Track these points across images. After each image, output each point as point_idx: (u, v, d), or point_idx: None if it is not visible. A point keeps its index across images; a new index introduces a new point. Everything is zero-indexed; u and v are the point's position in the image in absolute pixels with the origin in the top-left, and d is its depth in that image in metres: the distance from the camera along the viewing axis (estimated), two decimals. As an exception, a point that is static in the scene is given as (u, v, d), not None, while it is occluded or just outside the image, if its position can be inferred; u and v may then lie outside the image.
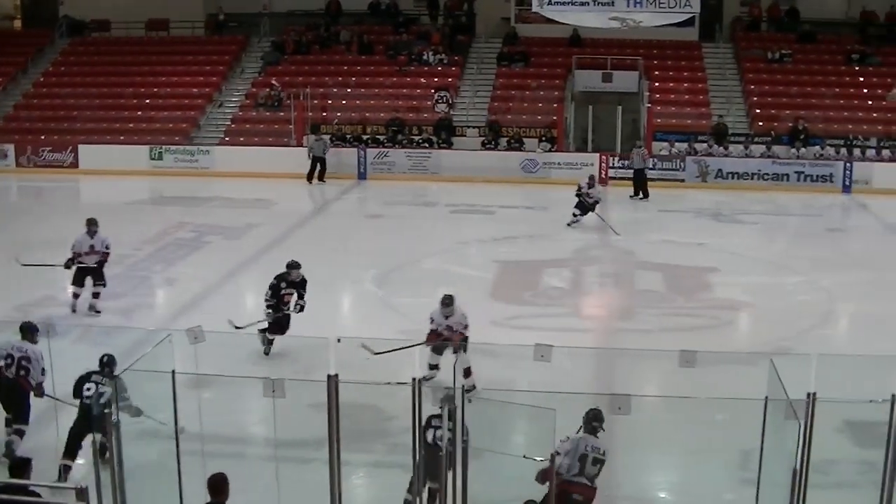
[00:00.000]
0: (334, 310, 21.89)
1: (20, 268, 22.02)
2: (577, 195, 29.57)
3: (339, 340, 9.53)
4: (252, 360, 16.65)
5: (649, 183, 35.30)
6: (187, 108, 42.91)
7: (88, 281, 21.03)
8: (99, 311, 20.81)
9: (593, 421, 10.90)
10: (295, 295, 18.05)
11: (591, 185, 29.69)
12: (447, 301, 16.68)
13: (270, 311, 17.89)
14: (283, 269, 18.48)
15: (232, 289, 23.43)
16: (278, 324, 17.95)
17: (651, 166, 36.33)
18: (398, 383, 9.69)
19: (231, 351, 12.74)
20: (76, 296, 20.98)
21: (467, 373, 15.22)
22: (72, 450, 12.46)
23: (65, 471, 12.27)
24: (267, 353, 17.63)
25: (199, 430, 11.97)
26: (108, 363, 13.09)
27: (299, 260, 18.66)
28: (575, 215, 29.40)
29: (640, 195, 35.36)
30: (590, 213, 29.57)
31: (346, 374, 9.39)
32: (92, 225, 21.27)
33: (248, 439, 13.68)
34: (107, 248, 21.21)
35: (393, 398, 11.20)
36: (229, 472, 9.97)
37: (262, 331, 17.87)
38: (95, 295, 21.01)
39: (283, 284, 18.13)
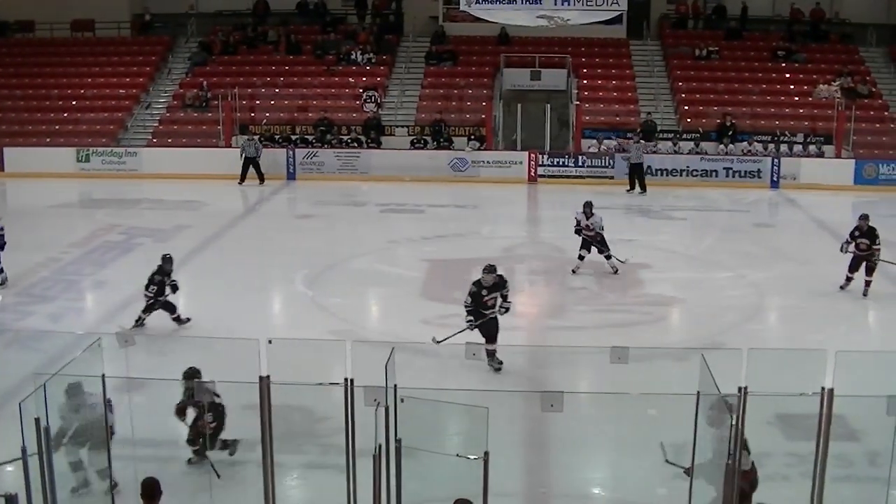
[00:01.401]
0: (265, 311, 21.84)
1: None
2: (577, 231, 24.16)
3: (270, 342, 9.51)
4: (184, 362, 16.57)
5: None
6: (114, 109, 42.54)
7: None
8: (4, 283, 22.71)
9: None
10: (498, 297, 17.58)
11: (589, 215, 24.11)
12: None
13: (472, 319, 17.42)
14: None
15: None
16: (486, 328, 17.43)
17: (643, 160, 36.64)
18: (330, 384, 9.66)
19: (162, 353, 12.66)
20: None
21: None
22: None
23: None
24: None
25: (131, 435, 11.88)
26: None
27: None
28: (581, 258, 24.11)
29: (639, 189, 35.77)
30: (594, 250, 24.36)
31: (278, 375, 9.36)
32: None
33: (181, 442, 13.58)
34: (0, 229, 22.91)
35: (325, 399, 11.16)
36: (162, 476, 9.92)
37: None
38: None
39: (485, 292, 17.56)
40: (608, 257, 23.83)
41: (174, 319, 19.72)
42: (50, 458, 9.54)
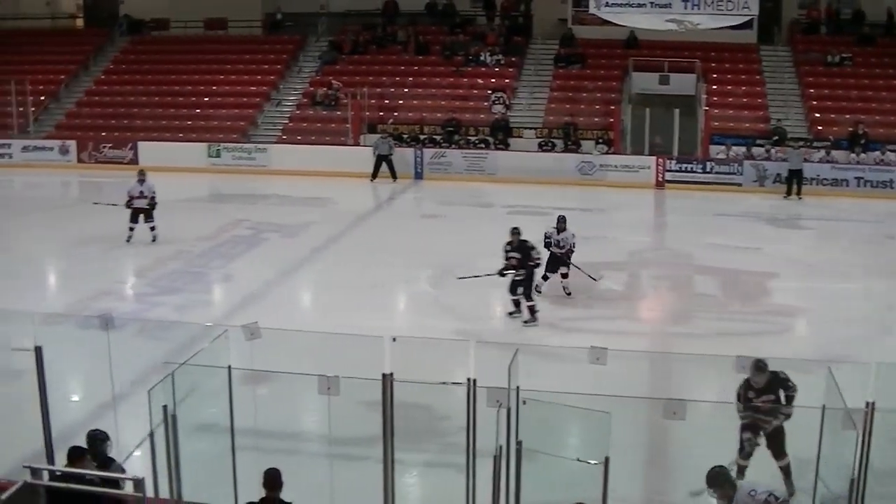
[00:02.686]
0: (390, 309, 21.96)
1: (80, 263, 23.07)
2: (546, 246, 22.27)
3: (394, 339, 9.56)
4: (307, 357, 16.72)
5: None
6: (245, 106, 43.19)
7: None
8: (156, 238, 26.84)
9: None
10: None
11: (561, 230, 22.44)
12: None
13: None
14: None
15: (289, 286, 23.57)
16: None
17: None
18: (453, 383, 9.70)
19: (287, 347, 12.78)
20: (132, 229, 26.80)
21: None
22: None
23: None
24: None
25: (254, 426, 12.03)
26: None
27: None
28: (546, 278, 22.23)
29: (797, 196, 35.43)
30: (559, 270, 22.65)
31: (401, 373, 9.42)
32: (141, 174, 27.61)
33: (303, 435, 13.71)
34: (153, 193, 27.02)
35: (446, 398, 11.21)
36: (283, 468, 10.02)
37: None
38: (152, 228, 26.98)
39: (508, 248, 20.66)
40: (564, 276, 22.33)
41: None
42: (177, 444, 9.70)
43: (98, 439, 10.56)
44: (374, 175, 37.86)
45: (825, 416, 9.56)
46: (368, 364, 9.56)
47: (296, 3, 47.91)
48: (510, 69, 43.80)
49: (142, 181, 27.04)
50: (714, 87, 41.81)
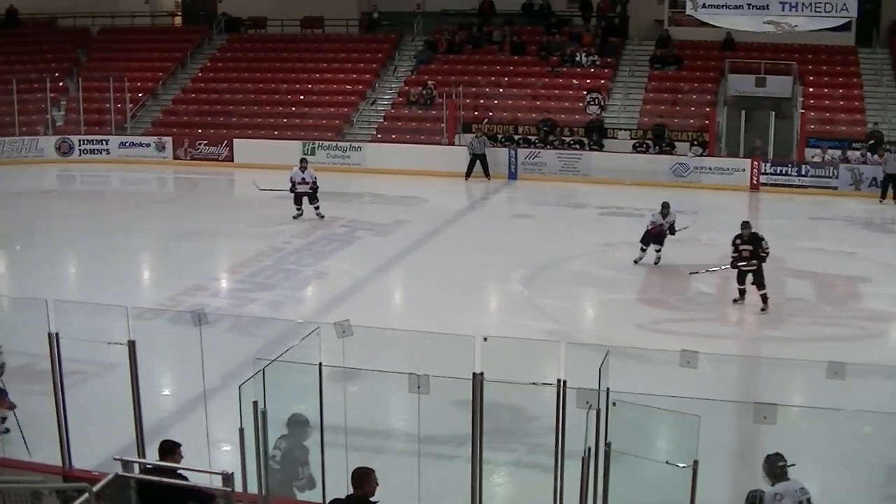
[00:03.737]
0: (481, 308, 22.01)
1: (175, 259, 23.95)
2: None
3: (485, 339, 9.60)
4: (398, 355, 16.81)
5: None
6: (340, 104, 43.49)
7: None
8: (323, 216, 29.61)
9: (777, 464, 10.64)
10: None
11: (665, 214, 25.06)
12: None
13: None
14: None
15: (381, 284, 23.70)
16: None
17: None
18: (543, 384, 9.72)
19: (378, 345, 12.85)
20: (298, 210, 29.75)
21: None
22: None
23: None
24: None
25: (344, 423, 12.12)
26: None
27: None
28: (643, 250, 25.00)
29: (893, 200, 35.03)
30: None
31: (491, 372, 9.46)
32: (303, 162, 30.41)
33: (392, 434, 13.80)
34: (314, 179, 29.76)
35: (536, 399, 11.23)
36: (371, 466, 10.10)
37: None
38: (316, 209, 29.59)
39: (739, 241, 21.90)
40: (658, 250, 24.99)
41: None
42: (266, 440, 9.81)
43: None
44: (468, 174, 37.97)
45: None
46: (459, 363, 9.60)
47: (392, 3, 48.22)
48: (605, 70, 43.67)
49: (304, 168, 29.76)
50: (811, 89, 41.37)
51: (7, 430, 13.79)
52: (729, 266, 22.14)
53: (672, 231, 25.11)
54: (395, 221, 29.83)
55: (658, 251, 24.97)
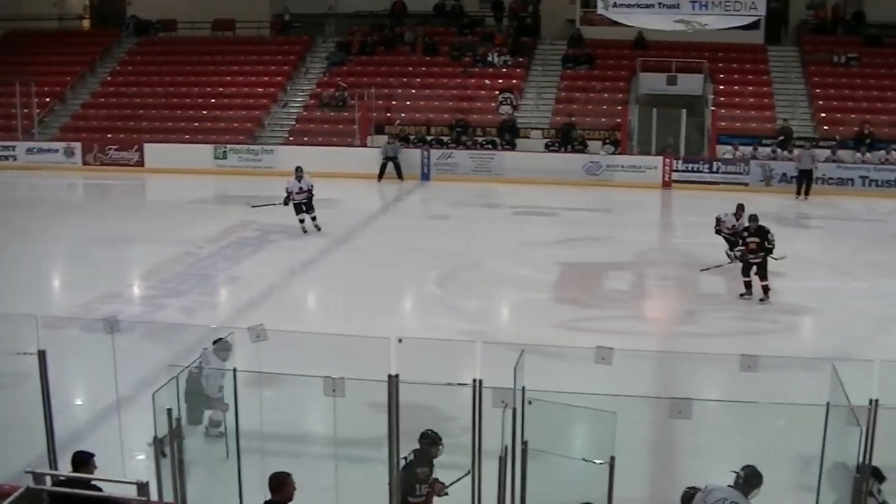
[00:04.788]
0: (397, 310, 21.96)
1: (85, 266, 23.41)
2: (718, 231, 25.10)
3: (400, 340, 9.55)
4: (314, 358, 16.73)
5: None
6: (252, 107, 43.24)
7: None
8: (320, 228, 28.46)
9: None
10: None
11: (739, 216, 24.62)
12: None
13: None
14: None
15: (295, 287, 23.59)
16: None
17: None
18: (459, 384, 9.70)
19: (293, 349, 12.78)
20: (302, 220, 28.35)
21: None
22: None
23: None
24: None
25: (260, 428, 12.04)
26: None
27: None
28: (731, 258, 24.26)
29: (805, 196, 35.52)
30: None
31: (407, 374, 9.42)
32: (298, 171, 28.69)
33: (308, 438, 13.73)
34: (311, 187, 28.39)
35: (452, 399, 11.21)
36: (288, 470, 10.03)
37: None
38: (313, 219, 28.44)
39: (746, 234, 22.53)
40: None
41: None
42: (181, 448, 9.70)
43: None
44: (381, 176, 37.95)
45: (829, 413, 9.55)
46: (374, 365, 9.55)
47: (304, 4, 48.04)
48: (518, 70, 43.80)
49: (300, 178, 28.42)
50: (721, 87, 41.78)
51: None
52: (738, 259, 22.75)
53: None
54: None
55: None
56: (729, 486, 10.21)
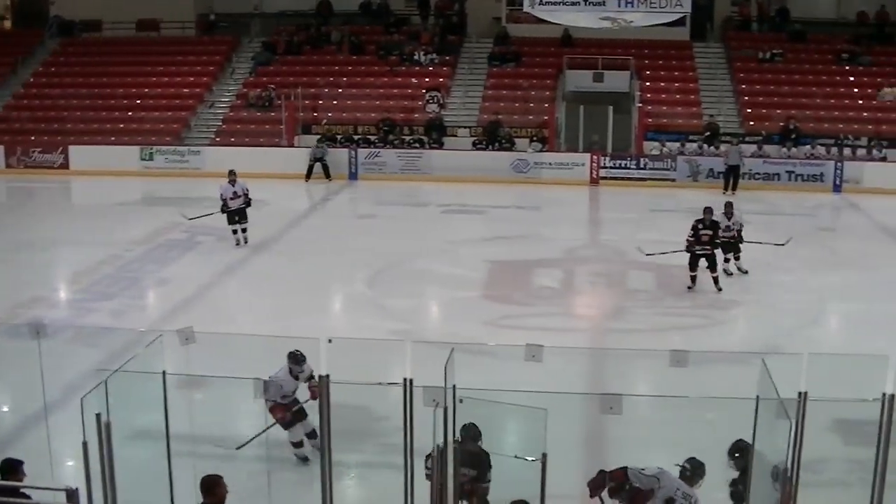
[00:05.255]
0: (326, 310, 21.91)
1: (10, 270, 23.87)
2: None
3: (330, 341, 9.52)
4: (244, 360, 16.65)
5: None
6: (178, 108, 42.89)
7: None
8: (246, 241, 26.82)
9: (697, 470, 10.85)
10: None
11: (729, 215, 23.73)
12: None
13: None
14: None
15: (224, 289, 23.44)
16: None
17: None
18: (389, 383, 9.68)
19: (223, 351, 12.69)
20: (235, 232, 26.81)
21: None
22: None
23: None
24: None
25: (191, 431, 11.96)
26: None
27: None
28: (727, 261, 23.86)
29: (732, 191, 35.59)
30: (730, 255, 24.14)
31: (338, 374, 9.39)
32: (231, 174, 27.13)
33: (240, 440, 13.65)
34: (246, 191, 26.89)
35: (384, 399, 11.20)
36: (220, 473, 9.96)
37: None
38: (243, 230, 26.84)
39: (700, 226, 22.65)
40: (737, 258, 24.16)
41: None
42: (111, 454, 9.60)
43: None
44: (308, 176, 37.82)
45: (759, 406, 9.61)
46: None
47: (229, 4, 47.79)
48: (444, 68, 43.85)
49: (233, 181, 26.96)
50: (648, 84, 42.09)
51: None
52: (684, 250, 22.81)
53: (740, 240, 23.98)
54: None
55: (736, 259, 24.09)
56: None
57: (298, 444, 13.39)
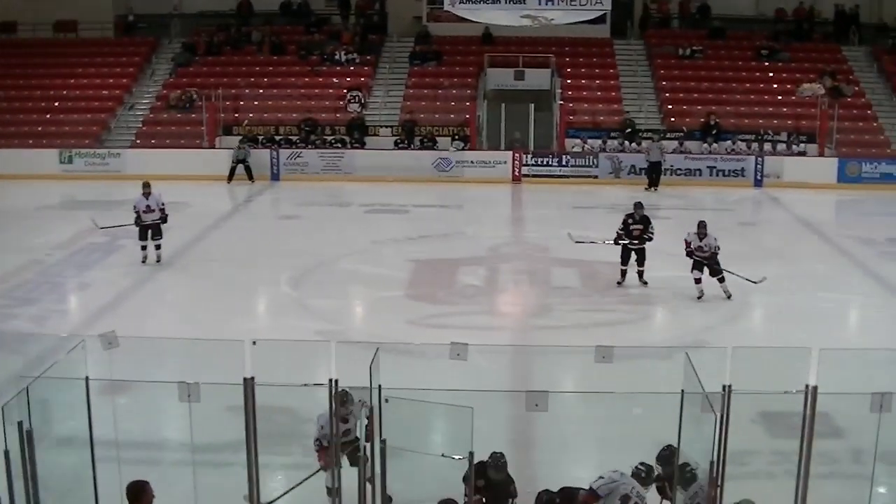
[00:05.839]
0: (250, 312, 21.79)
1: None
2: (689, 253, 22.39)
3: (254, 343, 9.48)
4: (168, 364, 16.55)
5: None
6: (97, 110, 42.45)
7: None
8: (159, 259, 24.97)
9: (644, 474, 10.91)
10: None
11: (702, 235, 22.25)
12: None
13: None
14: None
15: (147, 292, 23.23)
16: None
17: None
18: (314, 384, 9.65)
19: (146, 355, 12.60)
20: (144, 248, 24.98)
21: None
22: None
23: None
24: None
25: (115, 437, 11.85)
26: None
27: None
28: (698, 280, 22.24)
29: (654, 188, 36.19)
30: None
31: (262, 376, 9.34)
32: (146, 187, 25.42)
33: (165, 444, 13.55)
34: (162, 206, 25.09)
35: (310, 400, 11.16)
36: (146, 478, 9.88)
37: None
38: (157, 247, 24.99)
39: (631, 220, 22.98)
40: (721, 280, 22.23)
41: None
42: (33, 462, 9.49)
43: None
44: (230, 178, 37.64)
45: (684, 400, 9.68)
46: (230, 369, 9.46)
47: (148, 5, 47.36)
48: (366, 68, 43.82)
49: (147, 194, 25.18)
50: (569, 81, 42.30)
51: None
52: (613, 242, 23.20)
53: (714, 263, 22.24)
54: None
55: (720, 280, 22.26)
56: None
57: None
